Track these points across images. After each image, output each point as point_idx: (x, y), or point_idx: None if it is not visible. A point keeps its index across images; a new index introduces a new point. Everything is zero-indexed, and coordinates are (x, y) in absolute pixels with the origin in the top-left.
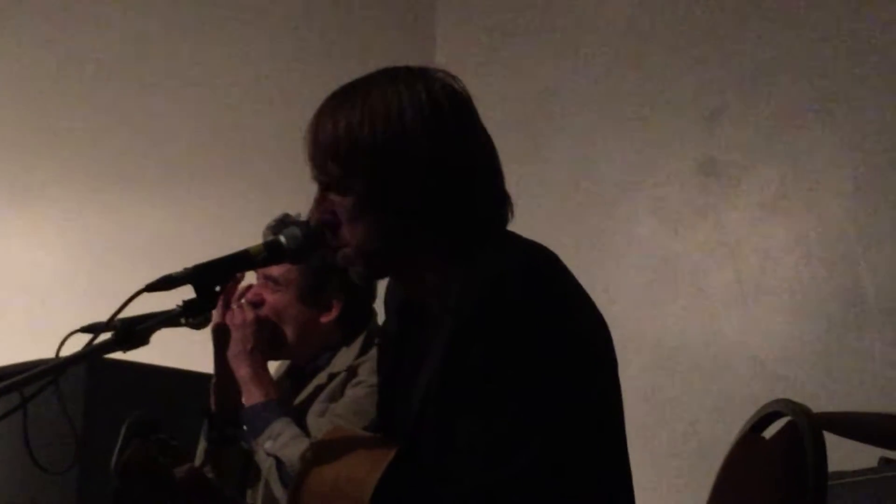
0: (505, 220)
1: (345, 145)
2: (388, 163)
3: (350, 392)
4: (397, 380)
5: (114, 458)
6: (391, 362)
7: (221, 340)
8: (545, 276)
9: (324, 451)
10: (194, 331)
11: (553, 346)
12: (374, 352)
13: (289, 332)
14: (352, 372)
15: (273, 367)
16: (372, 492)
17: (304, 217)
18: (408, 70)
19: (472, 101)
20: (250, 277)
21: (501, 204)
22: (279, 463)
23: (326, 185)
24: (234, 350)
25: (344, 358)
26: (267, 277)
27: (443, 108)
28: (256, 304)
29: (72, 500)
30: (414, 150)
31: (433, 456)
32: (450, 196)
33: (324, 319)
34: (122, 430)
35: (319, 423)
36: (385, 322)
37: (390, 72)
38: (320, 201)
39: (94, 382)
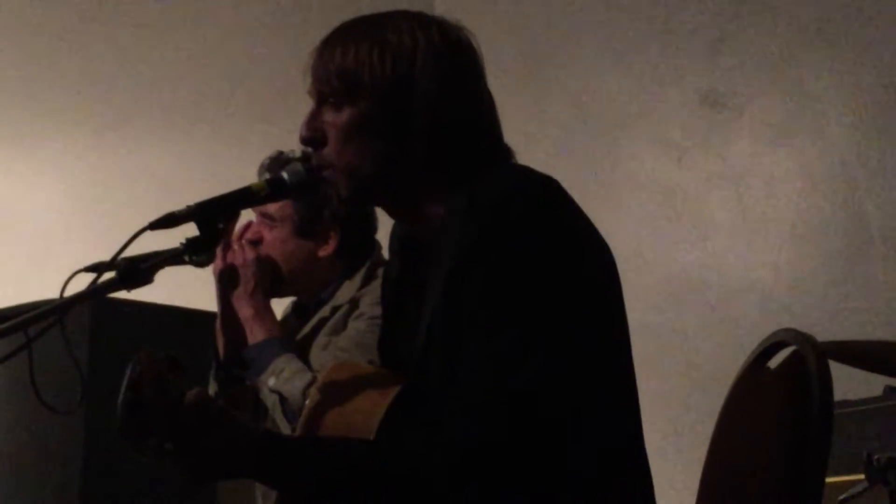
0: (502, 162)
1: (352, 66)
2: (392, 91)
3: (352, 325)
4: (401, 318)
5: (119, 398)
6: (394, 301)
7: (225, 283)
8: (545, 198)
9: (332, 385)
10: (198, 269)
11: (554, 265)
12: (376, 283)
13: (289, 268)
14: (354, 304)
15: (282, 304)
16: (379, 421)
17: (297, 154)
18: (423, 15)
19: (481, 58)
20: (248, 215)
21: (499, 151)
22: (282, 398)
23: (322, 101)
24: (236, 290)
25: (347, 290)
26: (263, 215)
27: (454, 56)
28: (256, 242)
29: (79, 440)
30: (420, 87)
31: (440, 388)
32: (446, 133)
33: (322, 253)
34: (128, 369)
35: (322, 356)
36: (388, 261)
37: (407, 13)
38: (313, 117)
39: (99, 322)
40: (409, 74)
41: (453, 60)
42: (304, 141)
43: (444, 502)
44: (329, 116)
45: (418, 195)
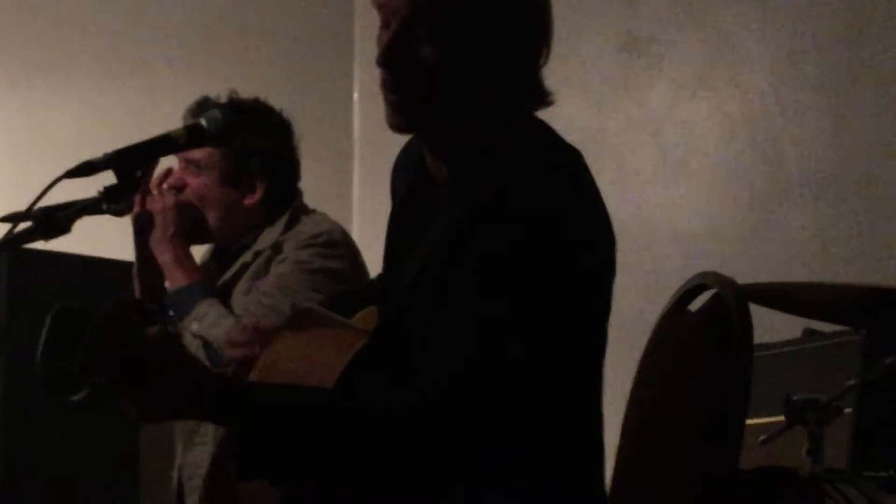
0: (538, 107)
1: (459, 2)
2: (492, 33)
3: (275, 269)
4: (399, 246)
5: (39, 348)
6: (395, 231)
7: (142, 227)
8: (564, 177)
9: (292, 332)
10: (116, 218)
11: (557, 246)
12: (298, 228)
13: (212, 215)
14: (277, 248)
15: (201, 249)
16: (339, 374)
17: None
18: None
19: None
20: (169, 161)
21: (544, 91)
22: (206, 343)
23: (406, 26)
24: (155, 235)
25: (268, 236)
26: (188, 161)
27: None
28: (178, 188)
29: None
30: (515, 29)
31: (414, 333)
32: (518, 68)
33: (248, 202)
34: (47, 320)
35: (245, 301)
36: (394, 185)
37: None
38: (394, 40)
39: (16, 272)
40: (513, 16)
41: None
42: (381, 64)
43: (395, 457)
44: (414, 45)
45: (459, 127)
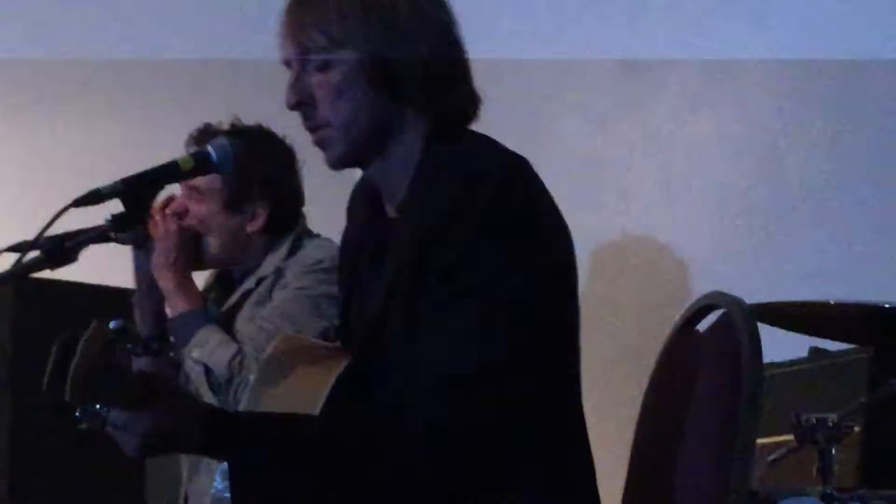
0: (473, 118)
1: (335, 14)
2: (379, 40)
3: (277, 295)
4: (359, 278)
5: (45, 378)
6: (352, 260)
7: (142, 254)
8: (517, 183)
9: (277, 360)
10: (123, 246)
11: (519, 252)
12: (301, 254)
13: (214, 241)
14: (279, 274)
15: (204, 275)
16: (324, 399)
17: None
18: None
19: None
20: (172, 188)
21: (474, 100)
22: (207, 370)
23: (303, 63)
24: (157, 261)
25: (271, 262)
26: (191, 188)
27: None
28: (181, 214)
29: (5, 421)
30: (406, 33)
31: (391, 356)
32: (433, 78)
33: (250, 228)
34: (53, 350)
35: (248, 327)
36: (348, 223)
37: None
38: (298, 80)
39: (22, 302)
40: (394, 20)
41: (433, 5)
42: (292, 106)
43: (386, 480)
44: (315, 77)
45: (397, 146)
